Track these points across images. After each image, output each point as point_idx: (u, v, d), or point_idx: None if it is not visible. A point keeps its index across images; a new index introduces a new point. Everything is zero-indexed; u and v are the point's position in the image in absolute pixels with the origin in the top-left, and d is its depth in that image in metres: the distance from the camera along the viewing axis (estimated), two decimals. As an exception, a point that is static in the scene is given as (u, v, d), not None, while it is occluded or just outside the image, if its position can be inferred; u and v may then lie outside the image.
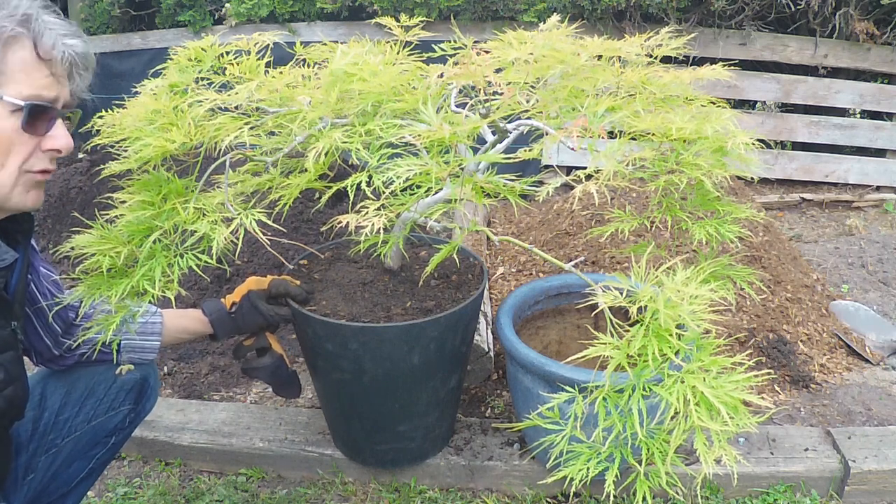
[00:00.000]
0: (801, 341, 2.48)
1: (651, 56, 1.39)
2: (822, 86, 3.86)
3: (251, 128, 1.30)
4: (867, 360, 2.50)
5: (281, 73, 1.40)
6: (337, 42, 1.49)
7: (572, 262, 1.52)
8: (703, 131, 1.27)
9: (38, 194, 1.21)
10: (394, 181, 1.19)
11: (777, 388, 2.31)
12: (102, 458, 1.56)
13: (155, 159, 1.30)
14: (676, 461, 1.11)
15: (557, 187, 1.22)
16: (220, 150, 1.29)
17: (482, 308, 2.21)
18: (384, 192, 1.23)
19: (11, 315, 1.26)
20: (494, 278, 2.83)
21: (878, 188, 4.03)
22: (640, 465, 1.13)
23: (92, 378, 1.53)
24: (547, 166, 3.99)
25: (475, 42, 1.42)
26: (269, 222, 1.26)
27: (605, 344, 1.13)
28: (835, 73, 3.90)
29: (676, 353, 1.11)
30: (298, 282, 1.73)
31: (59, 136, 1.18)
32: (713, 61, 1.48)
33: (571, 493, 1.93)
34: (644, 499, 1.11)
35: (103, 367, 1.54)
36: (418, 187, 1.26)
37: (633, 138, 1.36)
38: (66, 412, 1.50)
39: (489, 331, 2.32)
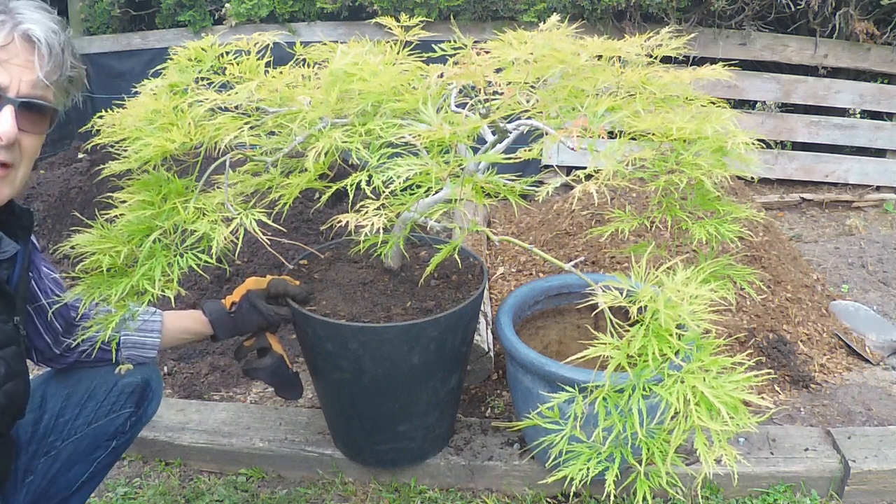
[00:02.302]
0: (801, 341, 2.48)
1: (651, 56, 1.39)
2: (822, 86, 3.86)
3: (251, 128, 1.31)
4: (867, 360, 2.50)
5: (281, 73, 1.40)
6: (337, 42, 1.49)
7: (572, 262, 1.52)
8: (703, 131, 1.27)
9: None
10: (394, 181, 1.19)
11: (777, 388, 2.31)
12: (104, 463, 1.55)
13: (155, 159, 1.30)
14: (677, 461, 1.11)
15: (557, 187, 1.22)
16: (220, 149, 1.29)
17: (482, 308, 2.21)
18: (384, 192, 1.23)
19: (14, 310, 1.25)
20: (494, 278, 2.83)
21: (878, 188, 4.03)
22: (641, 464, 1.13)
23: (93, 381, 1.53)
24: (547, 166, 3.99)
25: (475, 42, 1.42)
26: (269, 222, 1.26)
27: (605, 344, 1.13)
28: (835, 73, 3.90)
29: (676, 353, 1.11)
30: (298, 282, 1.73)
31: (2, 123, 1.12)
32: (713, 61, 1.48)
33: (571, 493, 1.93)
34: (644, 499, 1.11)
35: (105, 369, 1.54)
36: (418, 187, 1.26)
37: (633, 138, 1.36)
38: (67, 414, 1.49)
39: (489, 331, 2.32)
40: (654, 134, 1.30)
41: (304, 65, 1.48)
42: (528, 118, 1.26)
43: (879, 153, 4.07)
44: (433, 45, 1.50)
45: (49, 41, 1.15)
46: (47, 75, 1.16)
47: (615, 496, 1.18)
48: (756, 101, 4.35)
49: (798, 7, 3.50)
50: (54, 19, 1.18)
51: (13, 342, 1.23)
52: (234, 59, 1.46)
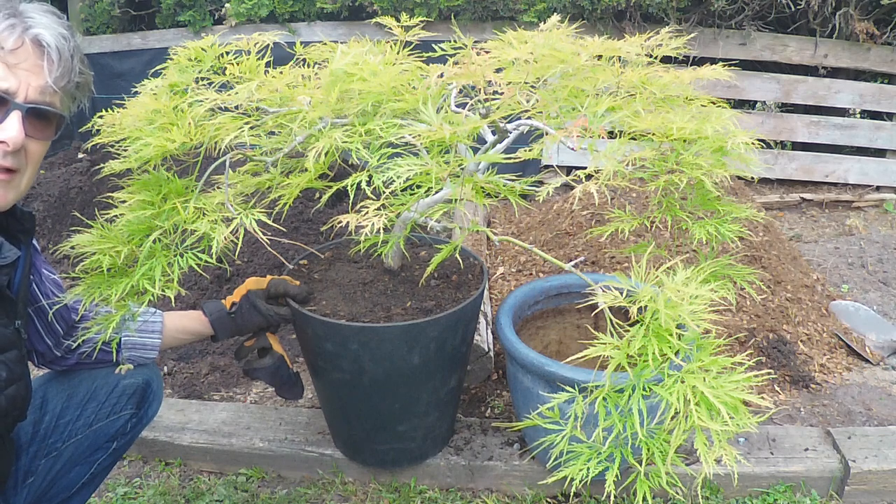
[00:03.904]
0: (801, 341, 2.48)
1: (651, 56, 1.39)
2: (822, 86, 3.86)
3: (251, 128, 1.30)
4: (867, 360, 2.50)
5: (281, 73, 1.40)
6: (337, 42, 1.49)
7: (572, 262, 1.52)
8: (703, 131, 1.27)
9: None
10: (394, 181, 1.19)
11: (777, 388, 2.31)
12: (104, 464, 1.55)
13: (155, 159, 1.30)
14: (677, 461, 1.11)
15: (557, 187, 1.22)
16: (220, 149, 1.29)
17: (482, 308, 2.21)
18: (384, 192, 1.23)
19: (15, 314, 1.25)
20: (494, 278, 2.83)
21: (878, 188, 4.03)
22: (641, 464, 1.13)
23: (93, 382, 1.53)
24: (547, 166, 3.99)
25: (475, 42, 1.43)
26: (270, 222, 1.26)
27: (605, 344, 1.13)
28: (835, 73, 3.90)
29: (676, 353, 1.11)
30: (298, 282, 1.73)
31: (8, 129, 1.12)
32: (713, 61, 1.48)
33: (571, 494, 1.93)
34: (644, 499, 1.11)
35: (105, 371, 1.54)
36: (418, 187, 1.26)
37: (633, 138, 1.36)
38: (67, 416, 1.49)
39: (489, 331, 2.32)
40: (654, 134, 1.30)
41: (304, 65, 1.48)
42: (528, 118, 1.26)
43: (879, 153, 4.07)
44: (433, 45, 1.50)
45: (59, 47, 1.15)
46: (56, 81, 1.16)
47: (615, 496, 1.18)
48: (756, 101, 4.35)
49: (798, 7, 3.50)
50: (64, 24, 1.18)
51: (14, 346, 1.23)
52: (234, 59, 1.46)
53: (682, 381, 1.08)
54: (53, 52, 1.15)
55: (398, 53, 1.48)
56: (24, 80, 1.13)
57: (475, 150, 1.48)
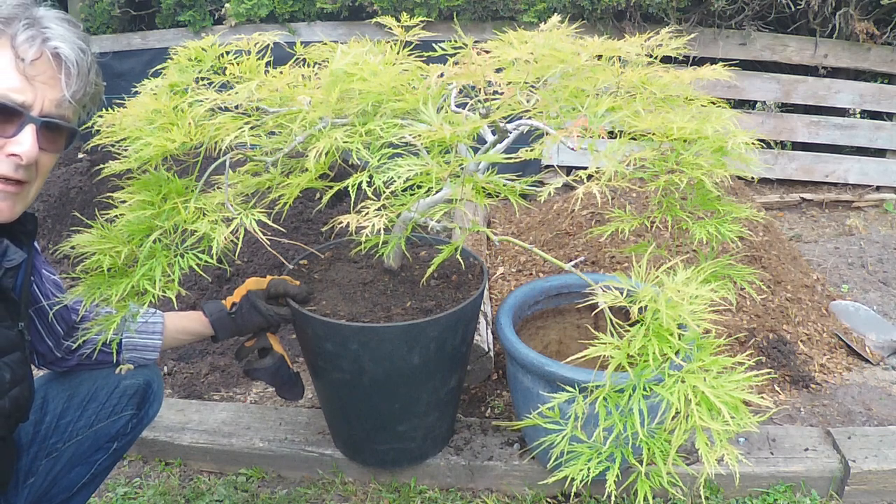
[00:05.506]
0: (801, 341, 2.48)
1: (651, 56, 1.39)
2: (822, 86, 3.86)
3: (251, 128, 1.30)
4: (867, 360, 2.50)
5: (281, 72, 1.40)
6: (337, 42, 1.49)
7: (572, 262, 1.52)
8: (703, 131, 1.27)
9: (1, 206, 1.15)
10: (394, 181, 1.19)
11: (777, 388, 2.31)
12: (104, 464, 1.55)
13: (155, 159, 1.30)
14: (678, 461, 1.11)
15: (558, 187, 1.22)
16: (220, 149, 1.29)
17: (482, 308, 2.21)
18: (385, 192, 1.23)
19: (18, 316, 1.26)
20: (494, 278, 2.83)
21: (878, 188, 4.03)
22: (641, 464, 1.13)
23: (94, 383, 1.53)
24: (547, 166, 3.99)
25: (475, 42, 1.42)
26: (269, 222, 1.26)
27: (605, 344, 1.13)
28: (835, 73, 3.90)
29: (677, 353, 1.11)
30: (298, 282, 1.73)
31: (23, 143, 1.12)
32: (713, 61, 1.48)
33: (572, 494, 1.93)
34: (645, 499, 1.11)
35: (106, 371, 1.54)
36: (419, 187, 1.26)
37: (634, 138, 1.36)
38: (68, 416, 1.49)
39: (489, 331, 2.32)
40: (654, 134, 1.30)
41: (304, 65, 1.48)
42: (529, 118, 1.26)
43: (879, 153, 4.07)
44: (433, 45, 1.50)
45: (79, 61, 1.15)
46: (73, 95, 1.16)
47: (616, 496, 1.18)
48: (756, 101, 4.35)
49: (798, 7, 3.50)
50: (81, 35, 1.18)
51: (18, 348, 1.23)
52: (235, 59, 1.46)
53: (683, 381, 1.08)
54: (72, 67, 1.15)
55: (398, 53, 1.48)
56: (41, 92, 1.13)
57: (475, 150, 1.48)
